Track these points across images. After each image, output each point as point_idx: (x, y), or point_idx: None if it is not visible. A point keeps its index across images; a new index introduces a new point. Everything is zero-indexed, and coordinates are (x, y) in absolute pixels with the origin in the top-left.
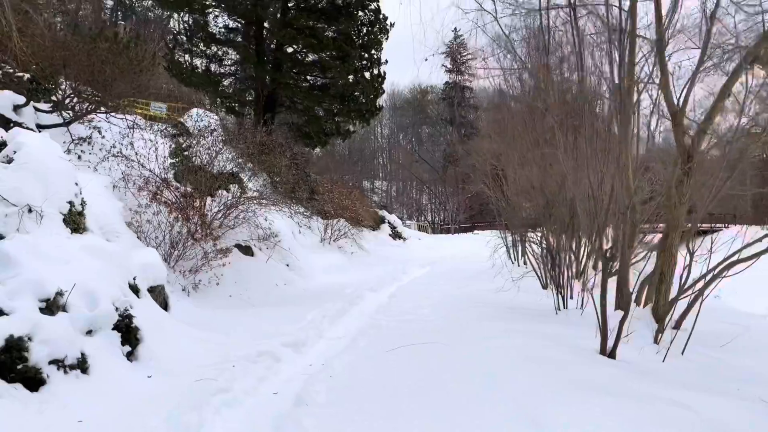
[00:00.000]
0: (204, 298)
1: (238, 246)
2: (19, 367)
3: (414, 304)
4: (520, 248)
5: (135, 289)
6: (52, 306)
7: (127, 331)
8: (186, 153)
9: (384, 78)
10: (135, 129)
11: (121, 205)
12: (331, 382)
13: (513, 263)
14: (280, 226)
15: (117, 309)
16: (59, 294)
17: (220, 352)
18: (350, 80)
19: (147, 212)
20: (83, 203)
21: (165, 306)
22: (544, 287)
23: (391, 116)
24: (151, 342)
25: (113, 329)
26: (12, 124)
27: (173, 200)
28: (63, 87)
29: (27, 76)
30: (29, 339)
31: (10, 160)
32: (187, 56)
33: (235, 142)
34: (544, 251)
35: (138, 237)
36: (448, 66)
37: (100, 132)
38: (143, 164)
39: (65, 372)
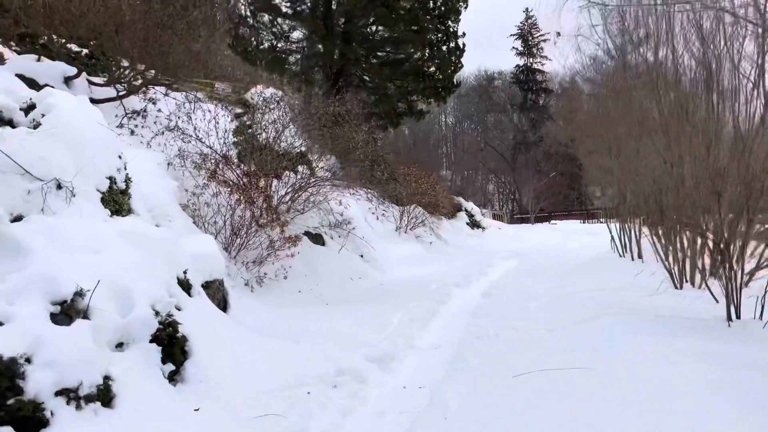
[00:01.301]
0: (270, 293)
1: (308, 234)
2: (9, 402)
3: (519, 306)
4: (632, 239)
5: (186, 286)
6: (68, 310)
7: (171, 343)
8: (250, 131)
9: (463, 51)
10: (194, 102)
11: (175, 185)
12: (447, 427)
13: (622, 256)
14: (353, 211)
15: (158, 313)
16: (78, 294)
17: (290, 370)
18: (425, 54)
19: (205, 193)
20: (128, 180)
21: (224, 305)
22: (678, 286)
23: (455, 104)
24: (202, 356)
25: (152, 341)
26: None
27: (234, 180)
28: (118, 58)
29: (84, 51)
30: (27, 360)
31: (37, 125)
32: (251, 33)
33: (304, 115)
34: (702, 244)
35: (194, 222)
36: (520, 48)
37: (154, 103)
38: (202, 139)
39: (78, 406)
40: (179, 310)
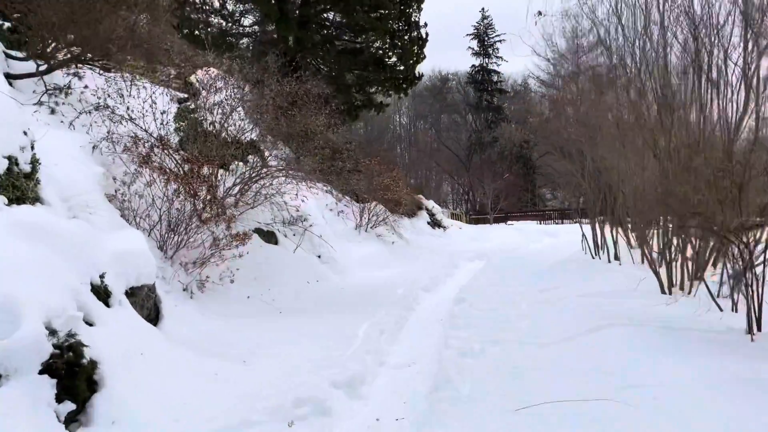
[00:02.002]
0: (213, 300)
1: (259, 231)
2: None
3: (497, 314)
4: (607, 241)
5: (103, 293)
6: None
7: (71, 373)
8: (193, 115)
9: (426, 42)
10: (129, 81)
11: (101, 172)
12: None
13: (595, 258)
14: (310, 207)
15: (55, 333)
16: None
17: (234, 401)
18: (386, 44)
19: (137, 182)
20: (35, 162)
21: (155, 316)
22: (667, 291)
23: (410, 103)
24: (118, 388)
25: (43, 371)
26: None
27: (173, 167)
28: (40, 31)
29: (7, 24)
30: None
31: None
32: (199, 14)
33: (256, 95)
34: (714, 247)
35: (123, 215)
36: (476, 48)
37: (80, 78)
38: (135, 120)
39: None
40: (90, 325)
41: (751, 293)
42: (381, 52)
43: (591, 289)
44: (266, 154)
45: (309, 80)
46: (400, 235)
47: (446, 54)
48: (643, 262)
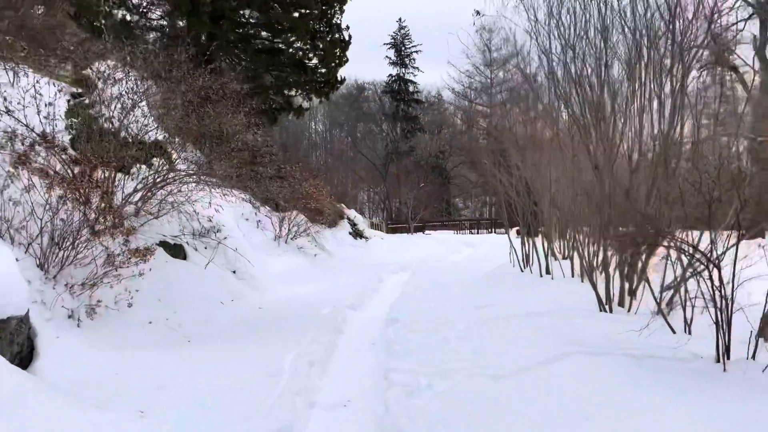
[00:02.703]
0: (106, 328)
1: (164, 244)
2: None
3: (436, 338)
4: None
5: None
6: None
7: None
8: (89, 111)
9: (348, 44)
10: (12, 68)
11: None
12: None
13: (523, 271)
14: (224, 217)
15: None
16: None
17: None
18: (307, 45)
19: (12, 186)
20: None
21: (29, 354)
22: (607, 309)
23: (325, 111)
24: None
25: None
26: None
27: (59, 169)
28: None
29: None
30: None
31: None
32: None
33: (163, 89)
34: (689, 262)
35: None
36: (393, 58)
37: None
38: (11, 112)
39: None
40: None
41: (721, 319)
42: (301, 53)
43: (530, 306)
44: (174, 156)
45: (226, 74)
46: (322, 246)
47: (363, 63)
48: (573, 275)
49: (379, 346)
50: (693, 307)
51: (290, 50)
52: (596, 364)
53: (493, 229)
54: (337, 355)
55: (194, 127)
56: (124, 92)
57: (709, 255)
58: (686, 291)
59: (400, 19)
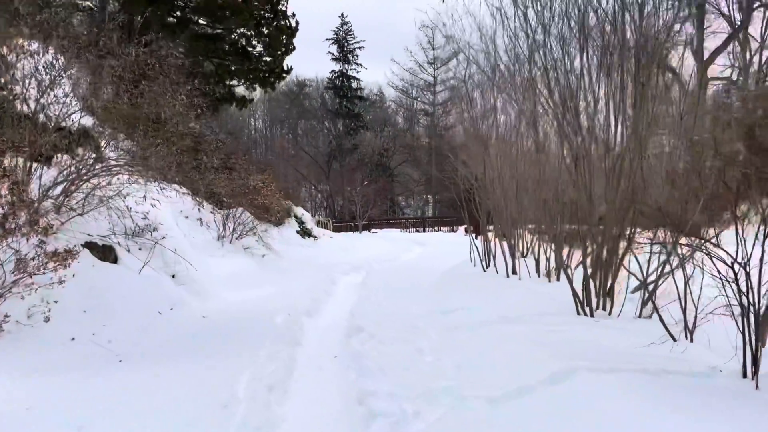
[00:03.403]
0: (16, 348)
1: (91, 246)
2: None
3: (407, 349)
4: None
5: None
6: None
7: None
8: (4, 92)
9: (295, 32)
10: None
11: None
12: None
13: (486, 271)
14: (162, 214)
15: None
16: None
17: None
18: (251, 31)
19: None
20: None
21: None
22: (584, 311)
23: (265, 108)
24: None
25: None
26: None
27: None
28: None
29: None
30: None
31: None
32: None
33: (90, 64)
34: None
35: None
36: (335, 54)
37: None
38: None
39: None
40: None
41: (747, 328)
42: (245, 40)
43: (502, 310)
44: (103, 143)
45: (164, 48)
46: (269, 246)
47: (303, 59)
48: (540, 275)
49: (344, 360)
50: (696, 311)
51: (233, 36)
52: (609, 384)
53: (438, 228)
54: (299, 374)
55: (126, 108)
56: (41, 67)
57: (734, 256)
58: (687, 294)
59: (342, 14)
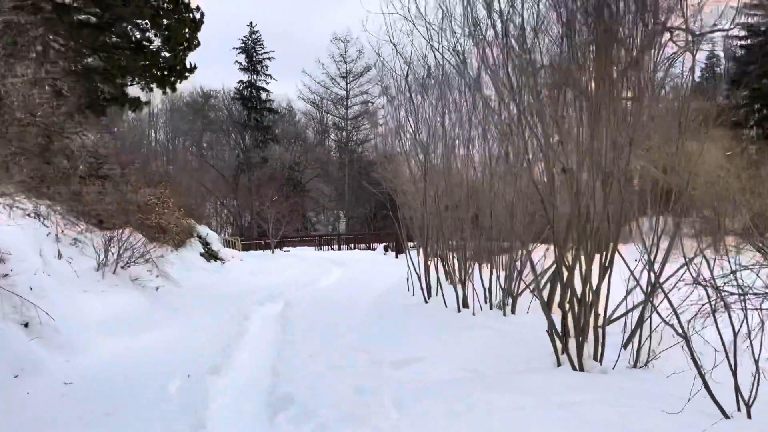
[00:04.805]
0: None
1: None
2: None
3: None
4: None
5: None
6: None
7: None
8: None
9: (200, 25)
10: None
11: None
12: None
13: (429, 301)
14: (12, 239)
15: None
16: None
17: None
18: (146, 23)
19: None
20: None
21: None
22: (572, 362)
23: (167, 119)
24: None
25: None
26: None
27: None
28: None
29: None
30: None
31: None
32: None
33: None
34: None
35: None
36: (243, 63)
37: None
38: None
39: None
40: None
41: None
42: (139, 32)
43: (468, 361)
44: None
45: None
46: (166, 275)
47: (208, 70)
48: (492, 308)
49: None
50: (758, 367)
51: (122, 26)
52: None
53: (354, 245)
54: None
55: None
56: None
57: None
58: (735, 346)
59: (251, 23)
